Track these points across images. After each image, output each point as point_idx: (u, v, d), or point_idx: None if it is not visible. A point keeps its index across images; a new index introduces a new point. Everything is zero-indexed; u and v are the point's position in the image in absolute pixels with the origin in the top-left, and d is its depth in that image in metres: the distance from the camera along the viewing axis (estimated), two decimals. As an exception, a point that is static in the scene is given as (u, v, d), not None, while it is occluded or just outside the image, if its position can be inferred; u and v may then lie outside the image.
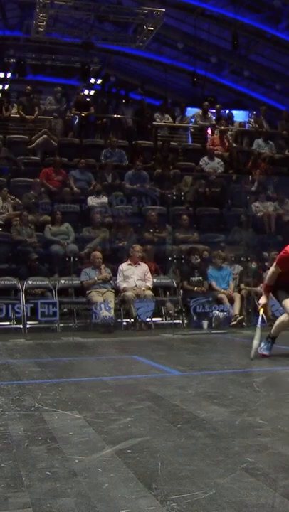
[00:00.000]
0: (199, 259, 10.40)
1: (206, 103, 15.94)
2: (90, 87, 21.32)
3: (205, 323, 9.64)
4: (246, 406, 3.69)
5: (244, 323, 9.54)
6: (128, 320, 9.77)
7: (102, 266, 9.97)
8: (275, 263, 6.24)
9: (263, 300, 6.31)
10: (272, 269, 6.29)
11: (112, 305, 9.38)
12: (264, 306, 6.39)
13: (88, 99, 17.83)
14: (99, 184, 12.44)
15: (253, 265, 10.54)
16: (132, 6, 17.29)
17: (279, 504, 2.13)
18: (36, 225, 11.30)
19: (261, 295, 6.60)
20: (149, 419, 3.42)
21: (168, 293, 10.53)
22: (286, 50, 20.10)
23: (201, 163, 13.95)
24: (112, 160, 13.48)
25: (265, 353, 6.04)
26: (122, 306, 9.73)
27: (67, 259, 10.81)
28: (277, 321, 6.21)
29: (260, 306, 6.36)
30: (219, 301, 9.79)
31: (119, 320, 9.64)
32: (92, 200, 12.15)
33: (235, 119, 17.12)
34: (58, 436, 3.10)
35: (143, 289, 9.81)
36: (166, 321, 10.07)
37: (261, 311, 6.34)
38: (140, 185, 12.96)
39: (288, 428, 3.17)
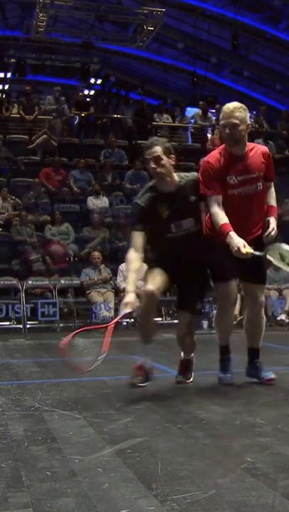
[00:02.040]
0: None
1: (202, 102, 15.94)
2: (90, 87, 21.32)
3: (205, 323, 9.64)
4: (246, 406, 3.69)
5: (244, 324, 9.53)
6: (128, 320, 9.77)
7: (102, 266, 9.97)
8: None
9: (237, 243, 3.96)
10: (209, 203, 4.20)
11: (112, 305, 9.38)
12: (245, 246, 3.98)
13: (88, 99, 17.83)
14: (97, 184, 12.43)
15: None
16: (132, 6, 17.29)
17: (279, 504, 2.13)
18: (36, 225, 11.30)
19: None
20: (149, 419, 3.41)
21: (168, 293, 10.53)
22: (286, 50, 20.10)
23: (201, 163, 13.94)
24: (111, 160, 13.49)
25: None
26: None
27: (67, 259, 10.82)
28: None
29: (242, 250, 3.94)
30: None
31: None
32: (91, 201, 12.15)
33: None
34: (58, 436, 3.10)
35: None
36: (166, 321, 10.06)
37: (250, 249, 3.97)
38: (140, 185, 12.94)
39: (288, 428, 3.16)
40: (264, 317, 4.58)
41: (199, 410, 3.60)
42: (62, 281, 10.14)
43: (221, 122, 4.20)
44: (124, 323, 9.71)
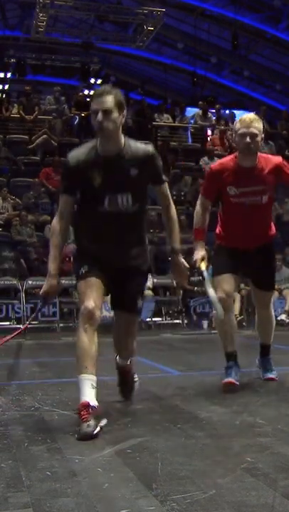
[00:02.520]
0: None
1: (201, 102, 15.96)
2: (90, 87, 21.30)
3: (205, 323, 9.65)
4: (246, 406, 3.69)
5: (244, 324, 9.54)
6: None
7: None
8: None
9: (197, 254, 4.26)
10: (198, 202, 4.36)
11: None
12: (202, 260, 4.27)
13: (88, 99, 17.81)
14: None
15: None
16: (132, 6, 17.29)
17: (279, 504, 2.13)
18: (36, 225, 11.31)
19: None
20: (149, 419, 3.41)
21: (168, 293, 10.53)
22: (286, 50, 20.10)
23: (201, 163, 13.95)
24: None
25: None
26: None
27: (67, 259, 10.81)
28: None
29: (198, 264, 4.29)
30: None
31: (119, 320, 9.63)
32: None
33: (236, 118, 17.10)
34: (58, 436, 3.10)
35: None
36: (166, 321, 10.07)
37: (203, 266, 4.26)
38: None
39: (288, 428, 3.16)
40: (273, 315, 4.75)
41: (199, 410, 3.60)
42: (63, 281, 10.12)
43: (240, 131, 4.10)
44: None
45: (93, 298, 3.62)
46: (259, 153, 4.19)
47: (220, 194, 4.24)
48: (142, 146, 3.71)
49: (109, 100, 3.37)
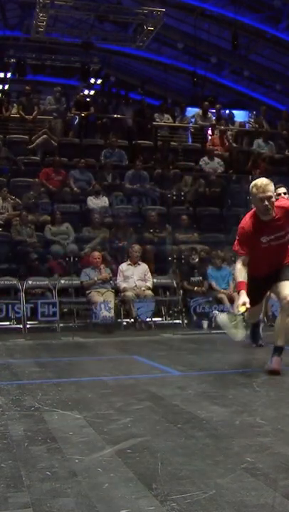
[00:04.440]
0: (197, 259, 10.42)
1: (206, 103, 15.95)
2: (90, 87, 21.32)
3: (205, 323, 9.64)
4: (246, 406, 3.69)
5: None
6: (128, 320, 9.77)
7: (102, 266, 9.97)
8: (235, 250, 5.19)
9: (240, 300, 4.88)
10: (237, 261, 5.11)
11: (112, 305, 9.38)
12: (244, 305, 4.85)
13: (88, 99, 17.83)
14: (97, 184, 12.44)
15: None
16: (132, 6, 17.28)
17: (279, 504, 2.13)
18: (36, 225, 11.30)
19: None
20: (149, 419, 3.42)
21: (168, 293, 10.53)
22: (286, 50, 20.09)
23: (201, 163, 13.95)
24: (111, 160, 13.49)
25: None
26: (122, 306, 9.74)
27: (67, 259, 10.82)
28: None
29: (239, 308, 4.85)
30: (219, 301, 9.79)
31: (119, 320, 9.65)
32: (91, 201, 12.15)
33: (235, 119, 17.12)
34: (58, 436, 3.10)
35: (143, 289, 9.82)
36: (166, 321, 10.07)
37: (242, 309, 4.84)
38: (140, 185, 12.97)
39: (288, 428, 3.17)
40: None
41: (199, 410, 3.60)
42: (63, 281, 10.14)
43: (258, 196, 4.83)
44: (125, 323, 9.73)
45: None
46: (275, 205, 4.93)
47: (254, 245, 4.99)
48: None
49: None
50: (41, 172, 12.56)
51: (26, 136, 13.87)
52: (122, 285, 9.86)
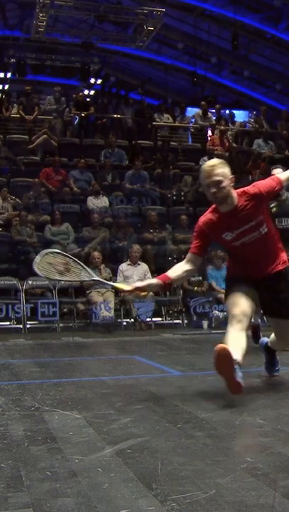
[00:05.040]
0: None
1: (204, 103, 15.96)
2: (90, 87, 21.32)
3: (205, 323, 9.65)
4: (246, 406, 3.69)
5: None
6: (128, 320, 9.77)
7: (102, 266, 9.98)
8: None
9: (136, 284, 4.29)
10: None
11: (112, 305, 9.38)
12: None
13: (88, 99, 17.83)
14: (97, 184, 12.44)
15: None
16: (132, 6, 17.29)
17: (279, 504, 2.13)
18: (36, 225, 11.31)
19: None
20: (149, 419, 3.41)
21: (168, 293, 10.53)
22: (286, 50, 20.10)
23: (201, 163, 13.95)
24: (111, 160, 13.49)
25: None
26: (122, 306, 9.74)
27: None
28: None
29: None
30: (219, 301, 9.79)
31: (119, 320, 9.65)
32: (91, 201, 12.15)
33: (235, 119, 17.13)
34: (58, 436, 3.10)
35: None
36: (166, 321, 10.07)
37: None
38: (140, 185, 12.97)
39: (288, 428, 3.16)
40: None
41: (199, 410, 3.60)
42: (62, 282, 10.13)
43: (204, 182, 4.02)
44: (124, 323, 9.73)
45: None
46: (235, 192, 4.04)
47: (221, 243, 4.23)
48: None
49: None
50: (41, 172, 12.56)
51: (26, 136, 13.87)
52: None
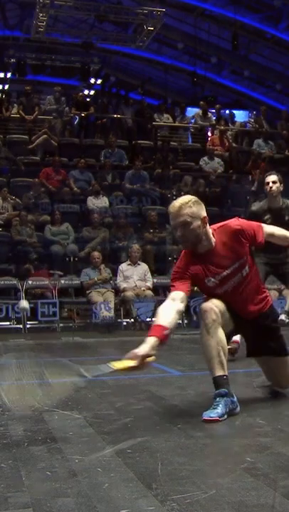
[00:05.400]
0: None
1: (202, 102, 15.97)
2: (90, 87, 21.33)
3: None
4: (246, 406, 3.68)
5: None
6: (128, 320, 9.77)
7: (102, 266, 9.98)
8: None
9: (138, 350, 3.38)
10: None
11: (112, 305, 9.39)
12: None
13: (88, 99, 17.83)
14: (97, 184, 12.44)
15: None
16: (132, 6, 17.29)
17: (279, 504, 2.13)
18: (36, 225, 11.31)
19: None
20: (149, 419, 3.41)
21: (168, 293, 10.54)
22: (286, 50, 20.10)
23: (201, 163, 13.96)
24: (111, 160, 13.49)
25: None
26: (122, 306, 9.74)
27: (67, 259, 10.83)
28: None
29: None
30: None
31: (119, 320, 9.65)
32: (91, 201, 12.15)
33: (235, 119, 17.13)
34: (58, 436, 3.10)
35: (143, 289, 9.82)
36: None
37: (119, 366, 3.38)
38: (140, 185, 12.97)
39: (288, 428, 3.16)
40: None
41: (199, 410, 3.60)
42: (63, 281, 10.14)
43: (171, 224, 3.62)
44: (124, 323, 9.73)
45: None
46: (211, 230, 3.59)
47: (203, 291, 3.72)
48: None
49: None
50: (41, 172, 12.56)
51: (26, 136, 13.88)
52: (122, 285, 9.86)
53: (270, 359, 3.86)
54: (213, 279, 3.58)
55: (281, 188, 5.95)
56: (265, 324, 3.77)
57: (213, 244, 3.57)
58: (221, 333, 3.49)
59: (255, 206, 6.20)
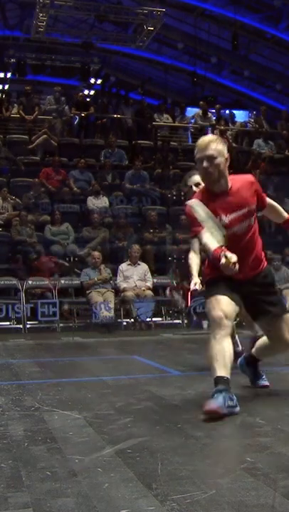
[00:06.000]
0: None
1: (202, 102, 15.97)
2: (90, 87, 21.33)
3: (205, 323, 9.63)
4: (246, 406, 3.68)
5: (244, 323, 9.53)
6: (128, 320, 9.78)
7: (102, 266, 9.98)
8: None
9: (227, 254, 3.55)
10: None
11: (112, 305, 9.39)
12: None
13: (88, 99, 17.83)
14: (97, 184, 12.44)
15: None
16: (132, 6, 17.29)
17: (279, 504, 2.13)
18: (36, 225, 11.32)
19: None
20: (149, 419, 3.41)
21: (168, 293, 10.54)
22: (286, 50, 20.11)
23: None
24: (111, 160, 13.49)
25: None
26: (122, 306, 9.74)
27: (67, 259, 10.83)
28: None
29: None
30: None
31: (119, 320, 9.65)
32: (91, 201, 12.15)
33: (236, 119, 17.14)
34: (58, 436, 3.10)
35: (143, 289, 9.82)
36: (166, 321, 10.08)
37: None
38: (140, 185, 12.97)
39: (288, 428, 3.16)
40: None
41: (199, 410, 3.60)
42: (62, 281, 10.15)
43: (196, 157, 3.76)
44: (124, 323, 9.73)
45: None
46: (230, 176, 3.79)
47: None
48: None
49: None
50: (41, 172, 12.57)
51: (26, 136, 13.88)
52: (122, 285, 9.86)
53: (273, 321, 3.93)
54: (224, 218, 3.73)
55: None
56: (263, 282, 3.93)
57: (229, 186, 3.77)
58: (228, 342, 3.60)
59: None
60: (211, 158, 3.67)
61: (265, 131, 15.46)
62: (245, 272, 3.73)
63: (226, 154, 3.75)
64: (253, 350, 4.25)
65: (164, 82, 22.17)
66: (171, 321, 10.03)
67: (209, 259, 3.88)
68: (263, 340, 4.17)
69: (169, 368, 5.41)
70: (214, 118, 16.01)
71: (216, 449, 2.84)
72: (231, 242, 3.69)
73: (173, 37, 20.20)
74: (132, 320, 9.69)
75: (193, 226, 3.79)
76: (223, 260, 3.49)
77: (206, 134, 15.78)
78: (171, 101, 20.00)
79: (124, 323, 9.71)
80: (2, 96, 16.16)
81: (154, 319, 9.82)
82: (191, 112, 16.89)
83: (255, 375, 4.28)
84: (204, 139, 3.79)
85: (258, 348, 4.21)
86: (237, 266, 3.50)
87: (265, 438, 2.97)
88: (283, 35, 19.27)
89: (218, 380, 3.49)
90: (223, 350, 3.54)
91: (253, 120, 18.09)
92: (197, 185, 4.80)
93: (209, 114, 15.88)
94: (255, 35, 19.76)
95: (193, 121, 16.05)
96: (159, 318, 10.07)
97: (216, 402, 3.35)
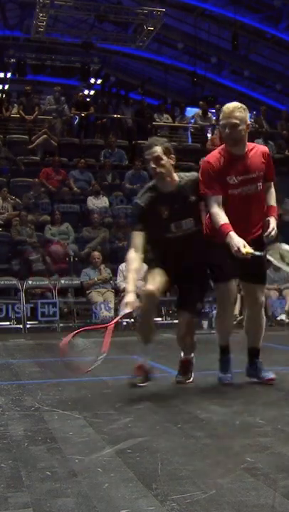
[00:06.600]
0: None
1: (202, 102, 15.96)
2: (90, 87, 21.33)
3: (205, 323, 9.63)
4: (246, 406, 3.69)
5: (244, 323, 9.52)
6: (128, 320, 9.77)
7: (102, 266, 9.98)
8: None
9: (237, 243, 3.93)
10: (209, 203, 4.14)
11: (112, 305, 9.38)
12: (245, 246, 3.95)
13: (88, 99, 17.83)
14: (97, 184, 12.43)
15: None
16: (132, 6, 17.30)
17: (279, 504, 2.13)
18: (36, 225, 11.31)
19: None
20: (149, 419, 3.41)
21: (168, 293, 10.52)
22: (286, 50, 20.11)
23: (201, 163, 13.93)
24: (111, 160, 13.48)
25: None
26: (122, 306, 9.73)
27: (67, 259, 10.82)
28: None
29: (243, 251, 3.90)
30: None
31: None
32: (91, 201, 12.15)
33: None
34: (58, 436, 3.10)
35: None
36: (166, 321, 10.06)
37: (250, 249, 3.94)
38: (140, 185, 12.95)
39: (288, 428, 3.16)
40: (264, 317, 4.58)
41: (199, 410, 3.60)
42: (63, 281, 10.14)
43: (221, 122, 4.18)
44: (124, 323, 9.72)
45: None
46: (248, 143, 4.23)
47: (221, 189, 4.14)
48: (190, 175, 4.43)
49: (157, 150, 4.21)
50: (41, 172, 12.57)
51: (26, 136, 13.88)
52: (122, 285, 9.85)
53: (249, 285, 4.40)
54: (234, 178, 4.11)
55: (172, 162, 4.32)
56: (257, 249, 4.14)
57: (246, 150, 4.20)
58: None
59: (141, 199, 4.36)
60: (234, 126, 4.07)
61: (265, 131, 15.46)
62: (243, 235, 4.01)
63: (248, 121, 4.19)
64: (243, 331, 4.60)
65: (164, 82, 22.18)
66: (171, 321, 10.01)
67: (213, 225, 4.14)
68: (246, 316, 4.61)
69: (169, 368, 5.41)
70: (214, 118, 15.99)
71: (216, 449, 2.84)
72: (237, 200, 4.10)
73: (173, 37, 20.20)
74: (132, 320, 9.68)
75: (204, 185, 4.16)
76: (243, 250, 3.88)
77: (205, 134, 15.79)
78: (171, 101, 20.00)
79: (124, 323, 9.70)
80: (2, 96, 16.17)
81: (154, 319, 9.81)
82: (191, 112, 16.89)
83: (257, 369, 4.48)
84: (228, 106, 4.14)
85: (246, 334, 4.56)
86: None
87: (265, 438, 2.97)
88: (283, 35, 19.27)
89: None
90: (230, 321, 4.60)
91: (253, 120, 18.08)
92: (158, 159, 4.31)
93: (209, 114, 15.88)
94: (255, 35, 19.76)
95: (193, 121, 16.04)
96: (159, 318, 10.06)
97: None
